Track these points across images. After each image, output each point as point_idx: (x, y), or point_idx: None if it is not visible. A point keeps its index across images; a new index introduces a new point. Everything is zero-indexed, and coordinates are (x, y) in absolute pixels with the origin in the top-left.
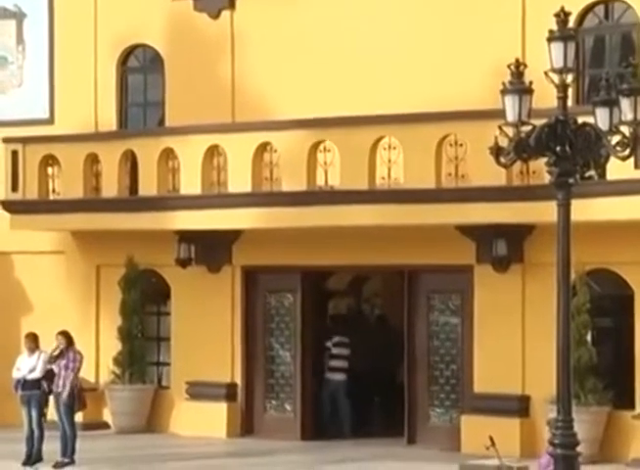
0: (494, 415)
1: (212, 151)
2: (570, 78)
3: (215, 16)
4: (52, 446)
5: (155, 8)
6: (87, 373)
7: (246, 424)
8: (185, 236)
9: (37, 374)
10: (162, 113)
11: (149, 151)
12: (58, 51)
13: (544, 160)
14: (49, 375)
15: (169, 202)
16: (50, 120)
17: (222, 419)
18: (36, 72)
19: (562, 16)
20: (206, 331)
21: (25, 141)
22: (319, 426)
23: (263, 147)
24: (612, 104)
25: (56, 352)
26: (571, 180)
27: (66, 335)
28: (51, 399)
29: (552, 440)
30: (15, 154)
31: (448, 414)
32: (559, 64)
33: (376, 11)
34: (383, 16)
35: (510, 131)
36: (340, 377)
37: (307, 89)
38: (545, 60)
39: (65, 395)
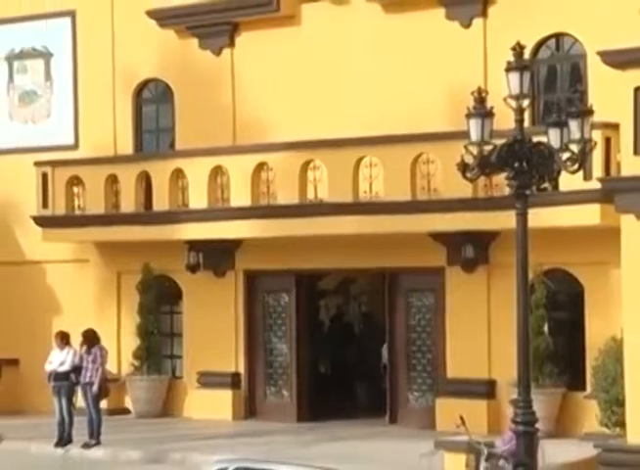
0: (465, 397)
1: (217, 170)
2: (525, 103)
3: (218, 53)
4: (80, 430)
5: (165, 47)
6: (110, 366)
7: (249, 408)
8: (194, 245)
9: (66, 367)
10: (173, 137)
11: (161, 171)
12: (81, 85)
13: (505, 174)
14: (77, 368)
15: (180, 215)
16: (75, 146)
17: (228, 404)
18: (62, 104)
19: (518, 49)
20: (214, 327)
21: (54, 164)
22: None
23: (261, 166)
24: (562, 125)
25: (83, 350)
26: (527, 192)
27: (92, 333)
28: (78, 388)
29: (514, 418)
30: (45, 176)
31: (425, 397)
32: (516, 91)
33: (357, 48)
34: (363, 52)
35: (474, 150)
36: None
37: (298, 115)
38: (504, 87)
39: (95, 386)
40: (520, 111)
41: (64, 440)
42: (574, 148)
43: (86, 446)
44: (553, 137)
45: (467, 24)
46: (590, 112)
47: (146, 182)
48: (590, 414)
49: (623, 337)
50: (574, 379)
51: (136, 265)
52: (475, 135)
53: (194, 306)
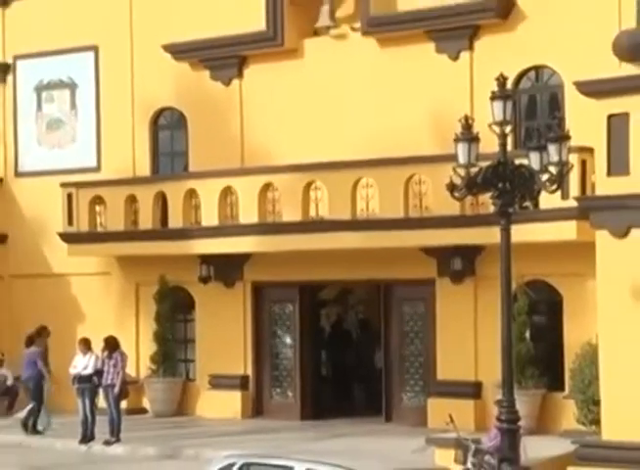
0: (453, 398)
1: (226, 191)
2: (508, 129)
3: (227, 83)
4: (102, 428)
5: (179, 78)
6: (130, 369)
7: (256, 408)
8: (206, 259)
9: (89, 371)
10: (186, 161)
11: (176, 191)
12: (103, 113)
13: (490, 193)
14: (98, 372)
15: (193, 232)
16: (97, 169)
17: (237, 404)
18: (86, 131)
19: (501, 79)
20: (224, 334)
21: (78, 185)
22: (315, 408)
23: (267, 187)
24: (542, 149)
25: (104, 355)
26: (511, 210)
27: (112, 340)
28: (100, 390)
29: (499, 416)
30: (70, 196)
31: (417, 397)
32: (499, 117)
33: (355, 79)
34: (360, 83)
35: (462, 171)
36: None
37: (301, 140)
38: (489, 114)
39: (116, 388)
40: (503, 136)
41: (87, 437)
42: (553, 170)
43: (107, 443)
44: (533, 160)
45: (455, 57)
46: (567, 137)
47: (162, 201)
48: (568, 413)
49: (598, 342)
50: (554, 381)
51: (153, 277)
52: (462, 158)
53: (206, 315)
